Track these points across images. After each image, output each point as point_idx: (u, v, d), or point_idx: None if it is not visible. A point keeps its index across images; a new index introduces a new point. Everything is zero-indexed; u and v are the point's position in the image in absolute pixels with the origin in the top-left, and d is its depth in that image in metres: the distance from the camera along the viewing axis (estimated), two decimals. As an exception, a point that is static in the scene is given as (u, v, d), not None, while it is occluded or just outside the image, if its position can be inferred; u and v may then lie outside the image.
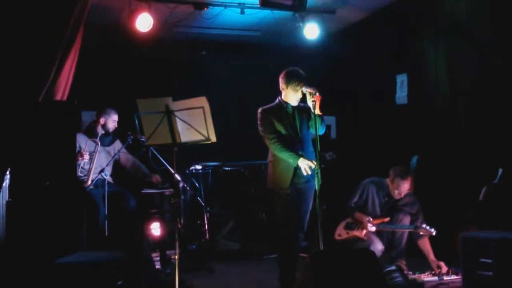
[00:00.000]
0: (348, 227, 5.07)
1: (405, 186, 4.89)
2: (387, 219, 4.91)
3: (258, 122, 4.27)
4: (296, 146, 4.17)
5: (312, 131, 4.21)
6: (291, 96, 4.24)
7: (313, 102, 3.96)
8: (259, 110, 4.29)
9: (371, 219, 4.88)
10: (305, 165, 4.03)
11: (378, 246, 4.79)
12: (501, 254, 3.68)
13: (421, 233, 4.79)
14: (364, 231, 4.89)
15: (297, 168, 4.15)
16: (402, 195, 4.94)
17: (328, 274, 3.29)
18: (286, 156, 4.12)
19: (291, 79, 4.21)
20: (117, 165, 5.71)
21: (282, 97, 4.30)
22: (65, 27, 4.72)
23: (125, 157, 5.73)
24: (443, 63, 5.62)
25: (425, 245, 4.85)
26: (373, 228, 4.86)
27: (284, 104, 4.27)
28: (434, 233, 4.73)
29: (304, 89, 4.08)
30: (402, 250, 4.94)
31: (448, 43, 5.54)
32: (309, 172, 4.03)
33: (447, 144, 5.55)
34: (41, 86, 4.58)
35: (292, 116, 4.27)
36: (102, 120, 5.53)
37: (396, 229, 4.90)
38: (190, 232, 5.96)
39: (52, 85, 4.67)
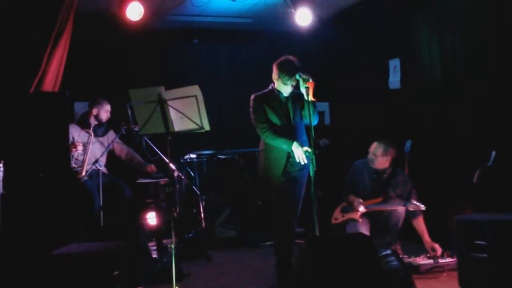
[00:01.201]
0: (344, 210, 5.11)
1: (373, 146, 5.00)
2: (379, 199, 4.94)
3: (251, 109, 4.24)
4: (289, 135, 4.15)
5: (305, 121, 4.19)
6: (281, 87, 4.21)
7: (306, 88, 3.93)
8: (252, 97, 4.27)
9: (361, 201, 4.91)
10: (299, 153, 4.02)
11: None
12: (495, 236, 3.71)
13: (410, 208, 4.84)
14: (358, 213, 4.92)
15: (290, 157, 4.14)
16: (379, 162, 4.98)
17: (324, 259, 3.31)
18: (279, 143, 4.10)
19: (281, 72, 4.15)
20: (111, 156, 5.70)
21: (275, 86, 4.28)
22: (55, 17, 4.68)
23: (119, 147, 5.72)
24: (436, 47, 5.62)
25: (420, 225, 4.89)
26: (363, 209, 4.89)
27: (276, 92, 4.25)
28: (423, 208, 4.79)
29: (297, 76, 4.04)
30: (398, 235, 4.97)
31: (441, 27, 5.53)
32: (305, 161, 4.01)
33: (440, 128, 5.57)
34: (32, 77, 4.54)
35: (285, 104, 4.24)
36: (94, 111, 5.50)
37: (386, 209, 4.92)
38: (186, 221, 5.97)
39: (43, 76, 4.63)
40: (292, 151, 4.06)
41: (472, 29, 5.13)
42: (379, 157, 5.00)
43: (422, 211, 4.89)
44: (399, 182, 5.02)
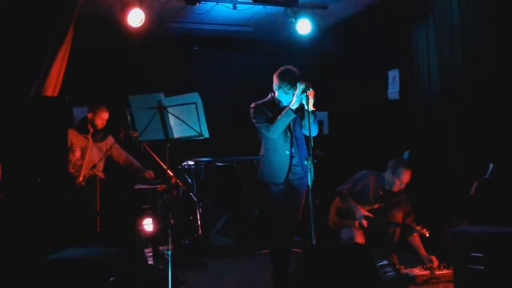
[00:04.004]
0: (341, 214, 5.06)
1: (406, 176, 4.86)
2: (376, 205, 4.92)
3: (251, 116, 4.22)
4: (288, 143, 4.15)
5: (305, 131, 4.17)
6: (282, 97, 4.19)
7: (307, 97, 3.92)
8: (252, 105, 4.24)
9: (364, 214, 4.84)
10: (297, 94, 3.94)
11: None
12: (492, 249, 3.71)
13: (414, 234, 4.82)
14: (357, 222, 4.90)
15: (291, 165, 4.14)
16: (403, 186, 4.91)
17: (321, 269, 3.31)
18: (282, 121, 4.03)
19: (283, 82, 4.13)
20: (109, 161, 5.69)
21: (276, 95, 4.27)
22: (56, 22, 4.70)
23: (118, 152, 5.71)
24: (435, 59, 5.64)
25: (415, 241, 4.87)
26: (364, 225, 4.85)
27: (277, 101, 4.23)
28: (427, 235, 4.74)
29: (298, 84, 4.03)
30: (394, 245, 4.96)
31: (441, 39, 5.56)
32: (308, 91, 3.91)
33: (438, 139, 5.59)
34: (32, 81, 4.55)
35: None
36: (90, 116, 5.50)
37: (388, 225, 4.90)
38: (182, 228, 5.96)
39: (43, 81, 4.65)
40: (292, 114, 3.99)
41: (471, 40, 5.15)
42: (404, 182, 4.89)
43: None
44: (402, 200, 4.99)
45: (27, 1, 4.66)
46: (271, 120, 4.10)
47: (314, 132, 3.99)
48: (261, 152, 4.28)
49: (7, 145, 4.19)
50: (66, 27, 4.78)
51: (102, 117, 5.51)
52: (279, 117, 4.05)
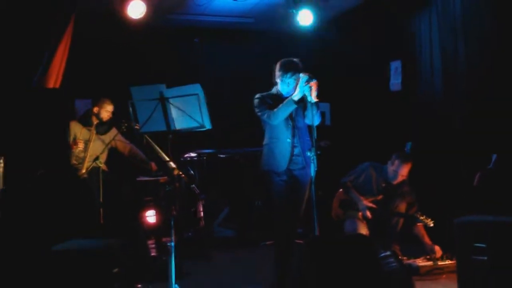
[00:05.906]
0: (344, 206, 5.08)
1: (403, 169, 4.90)
2: (380, 197, 4.93)
3: (255, 106, 4.20)
4: (290, 132, 4.14)
5: (307, 121, 4.16)
6: (283, 88, 4.18)
7: (310, 88, 3.90)
8: (257, 95, 4.22)
9: (367, 205, 4.86)
10: (299, 85, 3.94)
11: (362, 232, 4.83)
12: (495, 239, 3.70)
13: (418, 224, 4.83)
14: (360, 213, 4.91)
15: (293, 155, 4.13)
16: (399, 179, 4.94)
17: (324, 260, 3.31)
18: (283, 110, 4.03)
19: (284, 73, 4.12)
20: (113, 153, 5.69)
21: (278, 87, 4.26)
22: (57, 14, 4.69)
23: (123, 144, 5.69)
24: (438, 50, 5.62)
25: (420, 230, 4.89)
26: (368, 216, 4.86)
27: (279, 93, 4.22)
28: (431, 225, 4.75)
29: (301, 75, 4.01)
30: (397, 236, 4.97)
31: (443, 30, 5.54)
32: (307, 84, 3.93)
33: (441, 130, 5.57)
34: (33, 74, 4.55)
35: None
36: (96, 109, 5.49)
37: (392, 216, 4.91)
38: (185, 220, 5.96)
39: (44, 73, 4.64)
40: (292, 105, 4.00)
41: (473, 31, 5.13)
42: (404, 176, 4.95)
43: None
44: (405, 192, 5.00)
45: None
46: (273, 107, 4.10)
47: (317, 122, 3.99)
48: (264, 141, 4.27)
49: (9, 137, 4.19)
50: (67, 19, 4.77)
51: (108, 110, 5.51)
52: (280, 105, 4.05)
